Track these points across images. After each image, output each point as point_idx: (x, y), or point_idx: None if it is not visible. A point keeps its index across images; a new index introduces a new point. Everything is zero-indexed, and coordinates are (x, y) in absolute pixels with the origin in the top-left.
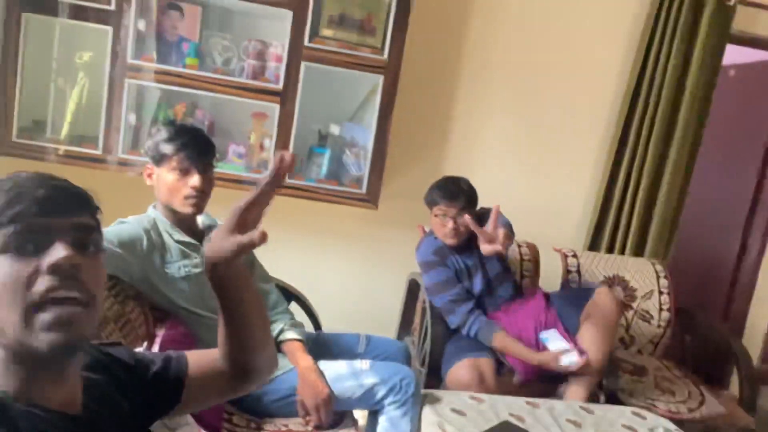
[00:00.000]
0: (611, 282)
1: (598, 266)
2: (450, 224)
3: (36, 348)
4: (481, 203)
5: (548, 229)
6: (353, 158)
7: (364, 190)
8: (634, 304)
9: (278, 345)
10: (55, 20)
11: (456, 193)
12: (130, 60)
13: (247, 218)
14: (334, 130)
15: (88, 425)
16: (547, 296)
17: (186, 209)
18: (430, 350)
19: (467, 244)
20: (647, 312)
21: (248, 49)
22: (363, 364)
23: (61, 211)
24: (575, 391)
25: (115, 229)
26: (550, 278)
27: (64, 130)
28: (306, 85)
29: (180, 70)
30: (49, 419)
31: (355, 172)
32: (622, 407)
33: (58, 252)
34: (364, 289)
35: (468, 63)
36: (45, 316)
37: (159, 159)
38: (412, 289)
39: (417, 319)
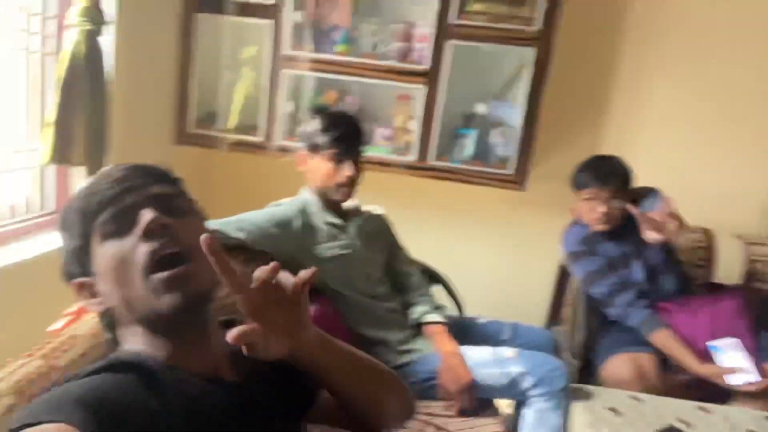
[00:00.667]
0: None
1: None
2: (601, 209)
3: (162, 310)
4: (647, 185)
5: (726, 213)
6: (500, 138)
7: (511, 170)
8: None
9: (420, 327)
10: (223, 18)
11: (608, 174)
12: (287, 51)
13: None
14: (480, 109)
15: (243, 393)
16: (750, 298)
17: (338, 197)
18: (583, 342)
19: (621, 229)
20: None
21: (395, 31)
22: (509, 352)
23: (138, 185)
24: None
25: (270, 210)
26: (729, 270)
27: (232, 120)
28: (452, 63)
29: (332, 57)
30: (200, 385)
31: (501, 153)
32: None
33: (145, 216)
34: (510, 275)
35: (633, 30)
36: (158, 279)
37: (314, 148)
38: (563, 277)
39: (568, 309)
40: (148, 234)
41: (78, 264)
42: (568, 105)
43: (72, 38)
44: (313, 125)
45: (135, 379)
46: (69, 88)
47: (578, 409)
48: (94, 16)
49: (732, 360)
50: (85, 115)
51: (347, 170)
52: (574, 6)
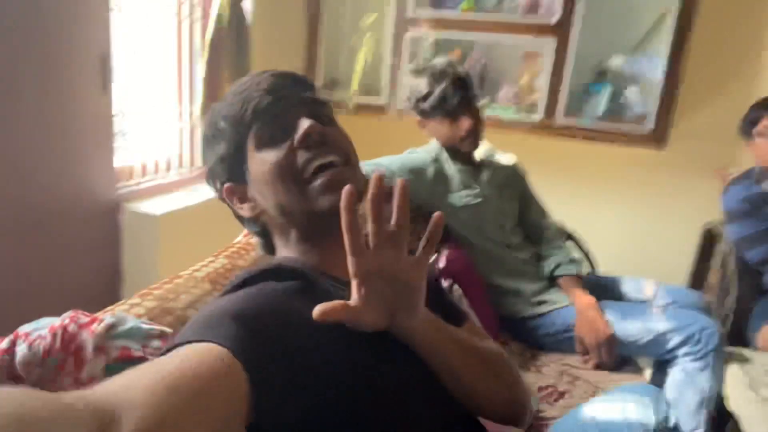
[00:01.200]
0: None
1: None
2: None
3: (320, 211)
4: None
5: None
6: (637, 94)
7: (650, 127)
8: None
9: (554, 279)
10: None
11: None
12: (410, 14)
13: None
14: (615, 63)
15: None
16: None
17: (465, 148)
18: (735, 310)
19: None
20: None
21: None
22: (654, 308)
23: (291, 93)
24: None
25: (405, 157)
26: None
27: (354, 84)
28: (584, 16)
29: (456, 15)
30: (341, 286)
31: (639, 110)
32: None
33: (303, 124)
34: (647, 240)
35: None
36: (317, 184)
37: (424, 114)
38: (707, 241)
39: (715, 274)
40: (307, 142)
41: (228, 170)
42: (716, 56)
43: (218, 4)
44: (415, 94)
45: (294, 287)
46: (216, 48)
47: (735, 371)
48: None
49: None
50: (230, 73)
51: (465, 124)
52: None
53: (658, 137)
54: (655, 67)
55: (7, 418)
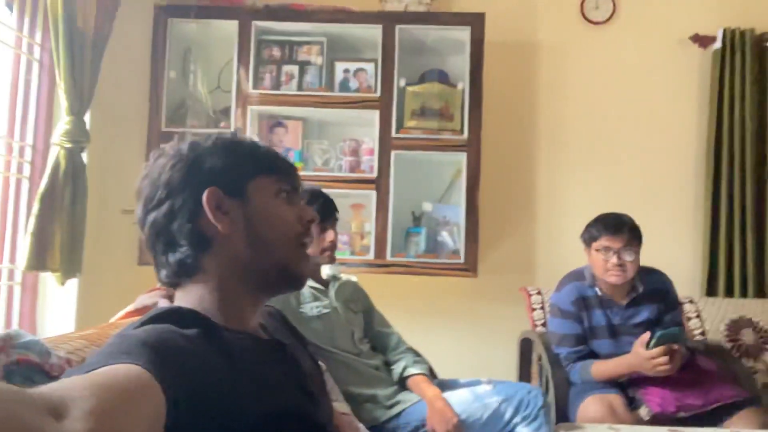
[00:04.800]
0: (737, 325)
1: (720, 310)
2: (614, 259)
3: (299, 273)
4: (578, 267)
5: None
6: (448, 235)
7: (462, 260)
8: None
9: (404, 381)
10: None
11: (620, 225)
12: None
13: None
14: (427, 208)
15: (282, 348)
16: None
17: (325, 260)
18: (555, 398)
19: (627, 293)
20: None
21: (344, 147)
22: (485, 387)
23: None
24: (738, 421)
25: None
26: None
27: None
28: (397, 171)
29: None
30: (249, 340)
31: (451, 246)
32: None
33: (308, 214)
34: (477, 353)
35: (544, 133)
36: (305, 253)
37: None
38: (525, 349)
39: (534, 370)
40: (306, 228)
41: (225, 180)
42: (502, 203)
43: (54, 155)
44: None
45: (198, 333)
46: (49, 201)
47: None
48: (75, 136)
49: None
50: (62, 226)
51: (330, 236)
52: (493, 117)
53: (470, 265)
54: (458, 213)
55: None
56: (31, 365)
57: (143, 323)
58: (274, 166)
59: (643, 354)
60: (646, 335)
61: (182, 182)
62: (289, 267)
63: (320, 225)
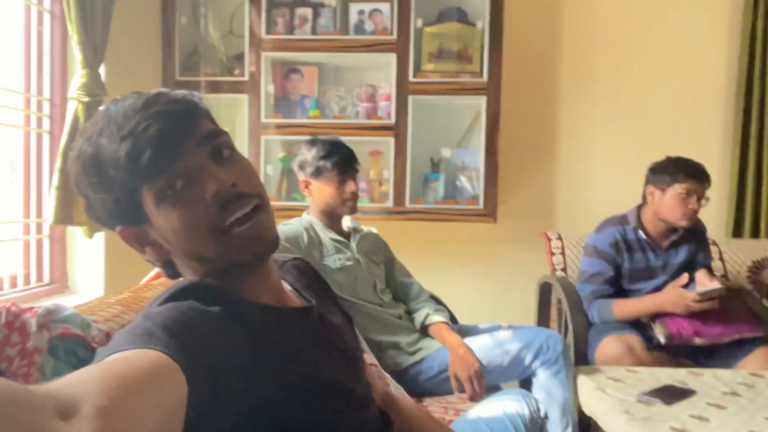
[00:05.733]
0: (760, 266)
1: (742, 251)
2: (694, 204)
3: (244, 261)
4: (598, 215)
5: None
6: (467, 180)
7: (481, 205)
8: None
9: (425, 328)
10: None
11: (702, 171)
12: (263, 119)
13: None
14: (446, 155)
15: (308, 313)
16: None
17: (346, 211)
18: (574, 341)
19: (668, 236)
20: None
21: (360, 94)
22: (505, 333)
23: (183, 129)
24: (754, 359)
25: (279, 228)
26: None
27: None
28: (415, 116)
29: (305, 121)
30: (272, 314)
31: (470, 192)
32: None
33: (210, 186)
34: (496, 298)
35: (566, 75)
36: (238, 236)
37: (317, 172)
38: (544, 294)
39: (553, 313)
40: (218, 199)
41: (121, 214)
42: (522, 148)
43: (72, 109)
44: (313, 153)
45: (220, 311)
46: (69, 155)
47: (583, 379)
48: (91, 89)
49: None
50: None
51: (351, 186)
52: (514, 59)
53: (489, 211)
54: (477, 158)
55: None
56: (74, 338)
57: (166, 300)
58: (150, 171)
59: (686, 295)
60: (685, 277)
61: (100, 214)
62: (229, 257)
63: (340, 177)
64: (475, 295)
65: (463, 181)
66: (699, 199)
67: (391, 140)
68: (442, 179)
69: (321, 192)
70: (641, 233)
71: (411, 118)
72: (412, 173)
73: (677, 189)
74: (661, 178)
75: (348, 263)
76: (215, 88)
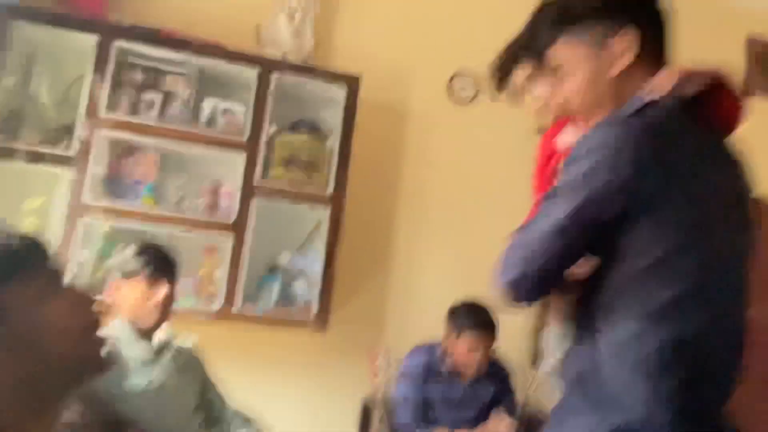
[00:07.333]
0: None
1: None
2: (479, 357)
3: None
4: (429, 329)
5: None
6: (304, 286)
7: (315, 311)
8: None
9: None
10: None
11: (491, 325)
12: (86, 201)
13: None
14: (284, 260)
15: None
16: None
17: (153, 319)
18: None
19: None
20: None
21: (202, 188)
22: None
23: None
24: None
25: None
26: None
27: None
28: (258, 218)
29: (136, 208)
30: None
31: (305, 299)
32: None
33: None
34: (318, 415)
35: (406, 197)
36: None
37: (127, 273)
38: (366, 413)
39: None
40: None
41: None
42: (358, 259)
43: None
44: (125, 254)
45: None
46: None
47: None
48: None
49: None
50: None
51: (164, 290)
52: (360, 172)
53: (321, 321)
54: (315, 265)
55: None
56: None
57: None
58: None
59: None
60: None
61: None
62: None
63: (149, 279)
64: (297, 407)
65: (298, 285)
66: (488, 348)
67: (230, 239)
68: (278, 283)
69: (129, 296)
70: (444, 366)
71: (253, 219)
72: (249, 274)
73: (465, 338)
74: (453, 324)
75: (154, 385)
76: (35, 157)
